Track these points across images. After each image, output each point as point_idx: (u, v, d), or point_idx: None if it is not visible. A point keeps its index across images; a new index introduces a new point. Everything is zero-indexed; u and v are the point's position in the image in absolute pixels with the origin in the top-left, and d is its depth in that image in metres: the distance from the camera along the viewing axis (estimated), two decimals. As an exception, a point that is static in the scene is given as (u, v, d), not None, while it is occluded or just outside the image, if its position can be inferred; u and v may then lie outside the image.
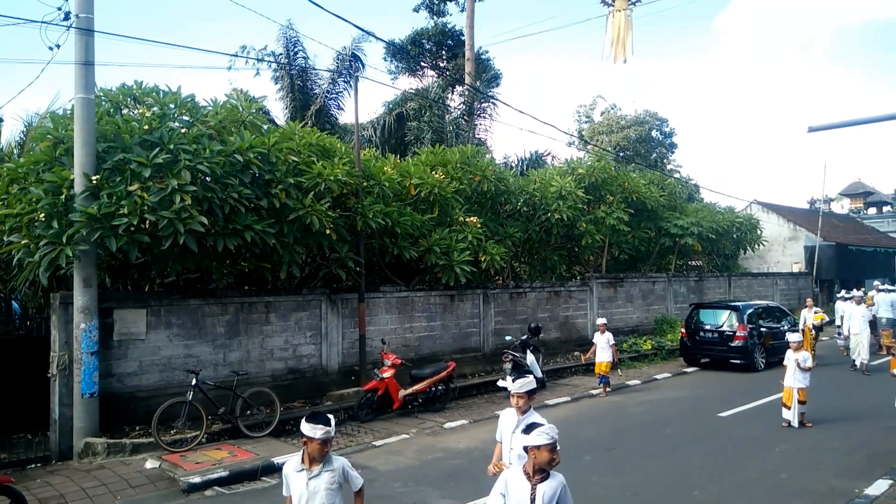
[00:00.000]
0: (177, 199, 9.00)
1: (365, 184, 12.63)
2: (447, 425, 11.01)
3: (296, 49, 22.01)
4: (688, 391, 14.15)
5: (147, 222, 9.01)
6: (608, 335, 13.49)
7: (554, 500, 3.87)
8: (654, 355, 18.26)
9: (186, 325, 10.76)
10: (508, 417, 5.21)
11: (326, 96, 22.18)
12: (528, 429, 3.94)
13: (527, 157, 25.68)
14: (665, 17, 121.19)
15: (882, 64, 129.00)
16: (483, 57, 28.79)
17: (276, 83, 22.73)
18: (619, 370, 13.78)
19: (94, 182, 9.01)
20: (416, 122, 22.73)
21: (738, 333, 16.22)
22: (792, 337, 10.76)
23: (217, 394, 10.01)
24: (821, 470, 8.29)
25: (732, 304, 17.70)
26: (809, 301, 18.38)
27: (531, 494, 3.87)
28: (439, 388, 12.12)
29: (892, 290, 18.56)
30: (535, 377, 14.38)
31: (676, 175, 35.91)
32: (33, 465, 9.00)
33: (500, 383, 4.78)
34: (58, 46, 9.20)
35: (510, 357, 13.35)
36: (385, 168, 13.67)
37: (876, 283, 22.74)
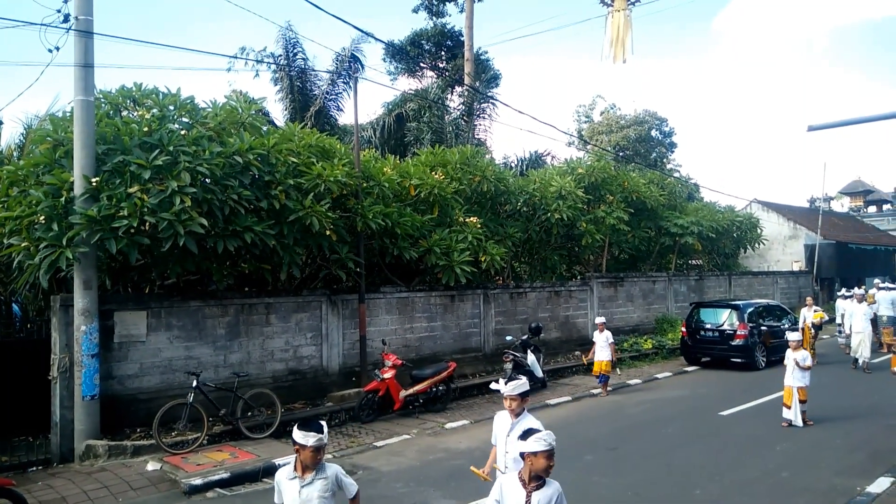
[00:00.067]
0: (177, 200, 9.00)
1: (365, 185, 12.63)
2: (448, 426, 11.01)
3: (295, 50, 22.02)
4: (688, 390, 14.15)
5: (147, 224, 9.00)
6: (607, 334, 13.48)
7: None
8: (654, 354, 18.26)
9: (187, 326, 10.76)
10: (502, 420, 5.12)
11: (326, 97, 22.20)
12: (525, 434, 3.86)
13: (526, 157, 25.70)
14: (664, 17, 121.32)
15: (881, 63, 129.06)
16: (482, 57, 28.81)
17: (276, 84, 22.76)
18: (618, 369, 13.77)
19: (94, 184, 9.01)
20: (416, 122, 22.73)
21: (738, 332, 16.21)
22: (791, 336, 10.76)
23: (218, 395, 10.01)
24: (822, 468, 8.29)
25: (733, 302, 17.70)
26: (809, 300, 18.38)
27: (526, 502, 3.82)
28: (440, 388, 12.12)
29: (893, 288, 18.57)
30: (535, 377, 14.41)
31: (676, 174, 35.93)
32: (34, 468, 9.00)
33: (493, 386, 4.72)
34: (57, 49, 9.21)
35: (511, 357, 13.35)
36: (385, 169, 13.68)
37: (876, 281, 22.75)
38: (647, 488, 7.68)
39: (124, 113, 10.87)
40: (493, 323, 15.84)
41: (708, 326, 16.89)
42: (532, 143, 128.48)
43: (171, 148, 9.36)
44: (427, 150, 16.52)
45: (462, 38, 27.84)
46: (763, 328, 16.71)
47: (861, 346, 15.57)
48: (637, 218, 21.10)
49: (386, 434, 10.51)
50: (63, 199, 9.03)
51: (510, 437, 4.88)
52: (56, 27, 9.12)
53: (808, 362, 10.46)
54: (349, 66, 21.44)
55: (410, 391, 11.71)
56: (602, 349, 13.32)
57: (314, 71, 22.48)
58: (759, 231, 26.82)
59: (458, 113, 24.57)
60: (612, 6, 12.97)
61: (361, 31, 17.73)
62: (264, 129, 11.83)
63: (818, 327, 17.39)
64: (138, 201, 8.86)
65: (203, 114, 10.84)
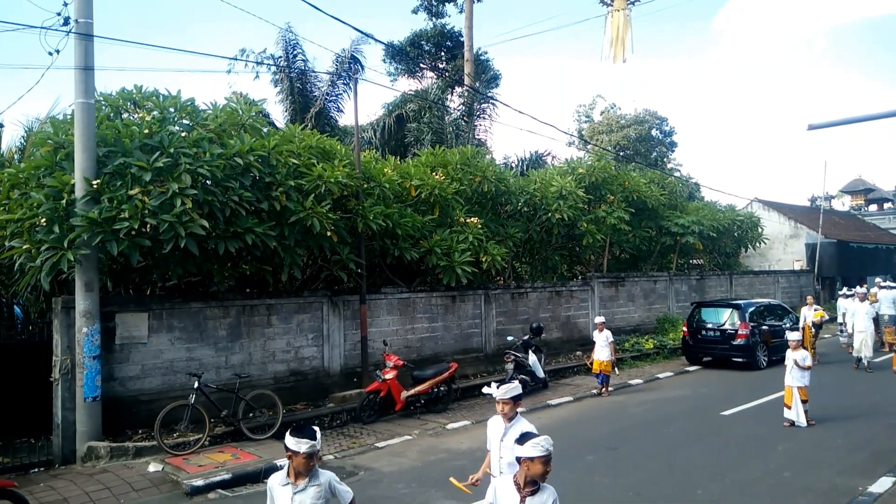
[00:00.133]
0: (177, 202, 9.01)
1: (365, 185, 12.64)
2: (449, 426, 11.01)
3: (295, 52, 22.04)
4: (690, 390, 14.14)
5: (148, 226, 9.01)
6: (606, 333, 13.44)
7: None
8: (656, 354, 18.26)
9: (188, 328, 10.77)
10: (495, 425, 5.02)
11: (326, 98, 22.21)
12: (522, 438, 3.80)
13: (527, 158, 25.70)
14: (664, 17, 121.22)
15: (881, 61, 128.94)
16: (482, 58, 28.80)
17: (276, 86, 22.77)
18: (615, 369, 13.73)
19: (95, 186, 9.02)
20: (416, 123, 22.74)
21: (739, 332, 16.19)
22: (791, 336, 10.75)
23: (219, 396, 10.02)
24: (824, 468, 8.29)
25: (734, 302, 17.69)
26: (810, 299, 18.36)
27: None
28: (441, 389, 12.12)
29: (894, 287, 18.54)
30: (537, 377, 14.39)
31: (677, 174, 35.91)
32: (36, 470, 9.01)
33: (486, 390, 4.68)
34: (58, 51, 9.24)
35: (512, 357, 13.35)
36: (385, 170, 13.68)
37: (878, 279, 22.73)
38: (648, 488, 7.68)
39: (125, 115, 10.88)
40: (495, 323, 15.85)
41: (709, 326, 16.88)
42: (532, 143, 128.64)
43: (171, 150, 9.37)
44: (427, 151, 16.53)
45: (462, 39, 27.85)
46: (764, 328, 16.69)
47: (863, 345, 15.55)
48: (638, 218, 21.10)
49: (387, 435, 10.52)
50: (64, 201, 9.04)
51: (504, 441, 4.82)
52: (56, 30, 9.16)
53: (808, 362, 10.45)
54: (349, 68, 21.47)
55: (412, 392, 11.71)
56: (602, 349, 13.30)
57: (314, 72, 22.51)
58: (760, 230, 26.80)
59: (459, 113, 24.58)
60: (612, 6, 12.98)
61: (361, 32, 17.78)
62: (265, 130, 11.84)
63: (818, 326, 17.38)
64: (139, 203, 8.87)
65: (203, 116, 10.85)
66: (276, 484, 4.06)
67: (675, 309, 21.86)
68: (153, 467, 8.65)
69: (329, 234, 11.18)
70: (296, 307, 12.16)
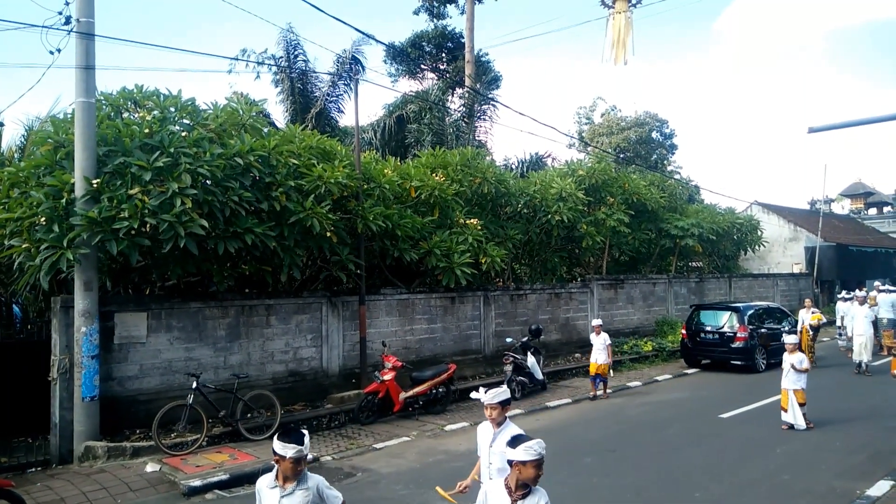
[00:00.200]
0: (177, 202, 9.01)
1: (365, 186, 12.64)
2: (448, 427, 11.00)
3: (296, 52, 22.04)
4: (689, 392, 14.14)
5: (148, 226, 9.01)
6: (604, 336, 13.40)
7: None
8: (654, 357, 18.25)
9: (187, 328, 10.76)
10: (485, 431, 4.94)
11: (327, 99, 22.21)
12: (514, 441, 3.74)
13: (527, 159, 25.70)
14: (664, 19, 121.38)
15: (882, 64, 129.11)
16: (483, 59, 28.83)
17: (277, 86, 22.78)
18: (610, 372, 13.69)
19: (95, 186, 9.02)
20: (417, 124, 22.74)
21: (738, 335, 16.20)
22: (788, 339, 10.74)
23: (217, 397, 10.01)
24: (822, 471, 8.29)
25: (733, 305, 17.69)
26: (808, 302, 18.36)
27: None
28: (440, 390, 12.11)
29: (893, 291, 18.54)
30: (535, 379, 14.36)
31: (677, 176, 35.91)
32: (34, 469, 9.01)
33: (474, 395, 4.64)
34: (59, 51, 9.23)
35: (511, 359, 13.34)
36: (385, 170, 13.69)
37: (876, 283, 22.72)
38: (647, 490, 7.68)
39: (125, 115, 10.88)
40: (494, 325, 15.84)
41: (708, 329, 16.88)
42: (533, 144, 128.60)
43: (171, 150, 9.37)
44: (428, 152, 16.53)
45: (462, 40, 27.86)
46: (763, 330, 16.69)
47: (863, 349, 15.54)
48: (637, 220, 21.11)
49: (386, 436, 10.51)
50: (64, 200, 9.04)
51: (493, 447, 4.75)
52: (57, 29, 9.15)
53: (805, 365, 10.46)
54: (350, 68, 21.47)
55: (410, 393, 11.70)
56: (599, 351, 13.27)
57: (315, 73, 22.51)
58: (759, 233, 26.81)
59: (459, 115, 24.57)
60: (613, 8, 12.98)
61: (362, 32, 17.72)
62: (265, 130, 11.84)
63: (816, 329, 17.38)
64: (139, 203, 8.87)
65: (204, 115, 10.85)
66: (264, 486, 4.04)
67: (674, 311, 21.87)
68: (151, 467, 8.64)
69: (329, 234, 11.18)
70: (295, 308, 12.15)
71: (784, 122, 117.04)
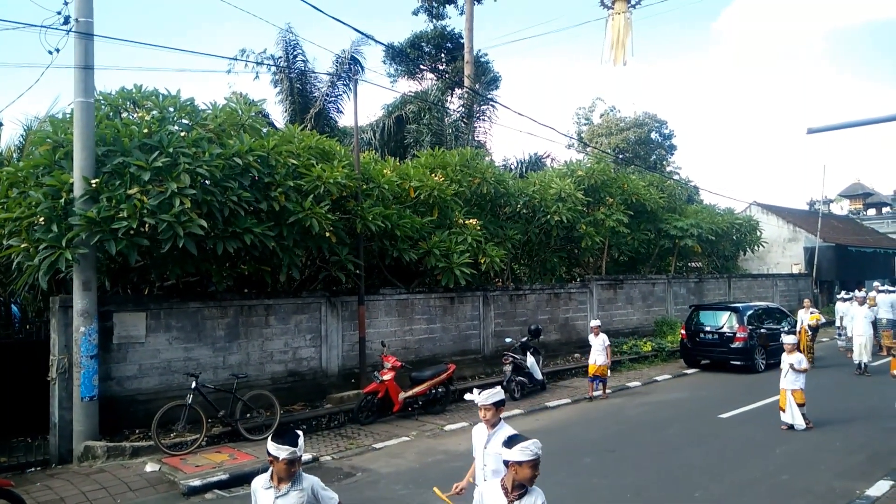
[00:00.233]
0: (176, 202, 9.00)
1: (364, 186, 12.64)
2: (447, 427, 11.00)
3: (295, 52, 22.04)
4: (688, 392, 14.14)
5: (146, 226, 9.01)
6: (602, 337, 13.34)
7: None
8: (654, 357, 18.25)
9: (186, 328, 10.75)
10: (479, 432, 4.90)
11: (326, 99, 22.21)
12: (510, 442, 3.71)
13: (526, 160, 25.70)
14: (664, 20, 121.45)
15: (882, 64, 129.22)
16: (482, 59, 28.84)
17: (276, 86, 22.78)
18: (608, 372, 13.65)
19: (94, 186, 9.01)
20: (416, 124, 22.75)
21: (738, 335, 16.20)
22: (786, 339, 10.74)
23: (217, 397, 10.00)
24: (822, 471, 8.29)
25: (732, 305, 17.69)
26: (807, 302, 18.37)
27: None
28: (439, 390, 12.11)
29: (892, 291, 18.56)
30: (535, 379, 14.34)
31: (676, 177, 35.92)
32: (33, 469, 8.99)
33: (468, 396, 4.63)
34: (57, 50, 9.22)
35: (510, 359, 13.34)
36: (384, 171, 13.68)
37: (876, 283, 22.74)
38: (647, 490, 7.67)
39: (124, 115, 10.88)
40: (493, 325, 15.84)
41: (707, 329, 16.88)
42: (532, 145, 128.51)
43: (170, 150, 9.37)
44: (427, 152, 16.53)
45: (462, 41, 27.88)
46: (762, 331, 16.69)
47: (863, 349, 15.55)
48: (637, 220, 21.11)
49: (385, 436, 10.50)
50: (63, 200, 9.04)
51: (487, 449, 4.71)
52: (56, 29, 9.15)
53: (804, 365, 10.46)
54: (349, 68, 21.47)
55: (410, 393, 11.70)
56: (598, 353, 13.20)
57: (314, 73, 22.51)
58: (758, 234, 26.83)
59: (458, 115, 24.58)
60: (613, 9, 12.99)
61: (361, 33, 17.77)
62: (264, 130, 11.84)
63: (815, 330, 17.39)
64: (138, 203, 8.86)
65: (203, 115, 10.85)
66: (260, 487, 4.03)
67: (674, 311, 21.87)
68: (150, 467, 8.63)
69: (328, 234, 11.17)
70: (294, 308, 12.14)
71: (783, 122, 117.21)
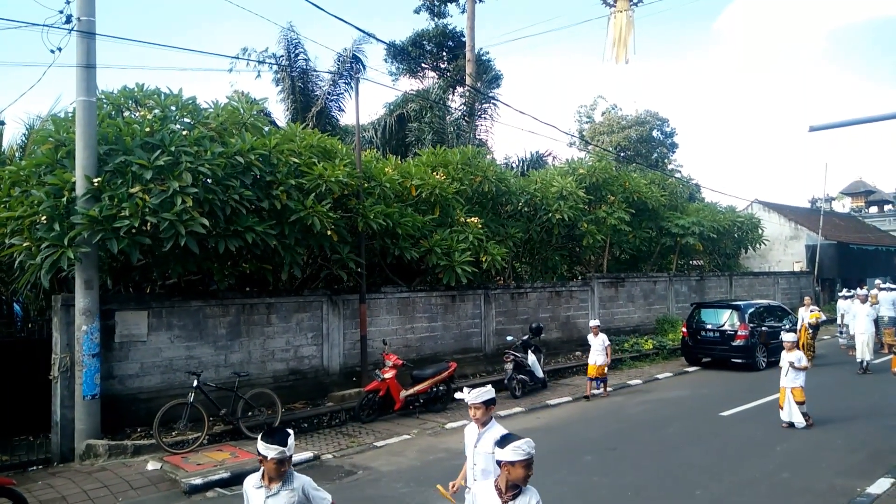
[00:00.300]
0: (178, 200, 9.02)
1: (366, 185, 12.64)
2: (449, 426, 11.01)
3: (297, 51, 22.04)
4: (689, 390, 14.14)
5: (148, 224, 9.02)
6: (602, 337, 13.30)
7: None
8: (655, 355, 18.25)
9: (188, 326, 10.77)
10: (470, 431, 4.85)
11: (327, 98, 22.21)
12: (503, 441, 3.65)
13: (528, 158, 25.71)
14: (665, 18, 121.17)
15: (883, 62, 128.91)
16: (484, 58, 28.80)
17: (277, 85, 22.78)
18: (606, 368, 13.62)
19: (96, 184, 9.02)
20: (417, 123, 22.75)
21: (739, 333, 16.20)
22: (786, 337, 10.73)
23: (218, 395, 10.02)
24: (822, 469, 8.29)
25: (734, 303, 17.69)
26: (807, 300, 18.37)
27: None
28: (441, 388, 12.12)
29: (894, 289, 18.53)
30: (536, 377, 14.34)
31: (677, 175, 35.90)
32: (35, 467, 9.01)
33: (458, 395, 4.61)
34: (59, 49, 9.23)
35: (512, 357, 13.35)
36: (386, 169, 13.69)
37: (877, 281, 22.72)
38: (647, 488, 7.68)
39: (126, 113, 10.89)
40: (494, 323, 15.85)
41: (709, 327, 16.89)
42: (533, 143, 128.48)
43: (172, 148, 9.38)
44: (428, 151, 16.53)
45: (463, 39, 27.84)
46: (764, 329, 16.70)
47: (865, 347, 15.53)
48: (638, 218, 21.11)
49: (386, 434, 10.52)
50: (65, 199, 9.05)
51: (477, 448, 4.69)
52: (58, 28, 9.15)
53: (805, 362, 10.46)
54: (350, 67, 21.47)
55: (411, 391, 11.72)
56: (598, 353, 13.15)
57: (316, 71, 22.51)
58: (760, 231, 26.80)
59: (460, 113, 24.57)
60: (615, 7, 13.00)
61: (363, 31, 17.76)
62: (266, 129, 11.84)
63: (816, 328, 17.39)
64: (140, 201, 8.88)
65: (205, 114, 10.86)
66: (251, 487, 4.02)
67: (675, 310, 21.87)
68: (152, 465, 8.65)
69: (329, 233, 11.19)
70: (295, 306, 12.16)
71: (785, 120, 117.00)
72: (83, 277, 9.20)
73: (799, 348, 11.33)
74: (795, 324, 17.27)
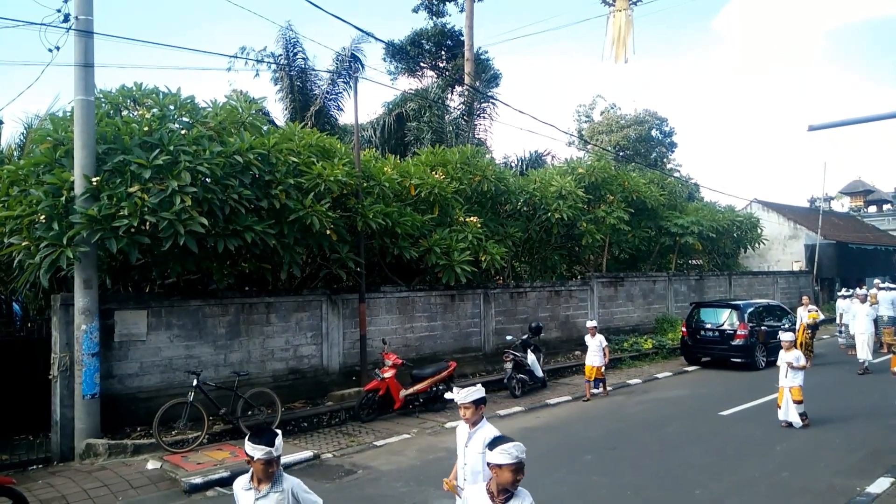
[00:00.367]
0: (177, 200, 9.01)
1: (365, 184, 12.64)
2: (448, 425, 11.00)
3: (295, 50, 22.02)
4: (688, 390, 14.15)
5: (147, 224, 9.01)
6: (599, 338, 13.23)
7: None
8: (654, 354, 18.26)
9: (187, 326, 10.76)
10: (462, 431, 4.84)
11: (326, 97, 22.19)
12: (493, 444, 3.59)
13: (527, 157, 25.71)
14: (664, 17, 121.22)
15: (883, 62, 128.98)
16: (482, 57, 28.80)
17: (276, 84, 22.75)
18: (603, 368, 13.57)
19: (95, 184, 9.02)
20: (416, 122, 22.74)
21: (738, 332, 16.21)
22: (784, 336, 10.73)
23: (218, 394, 10.01)
24: (822, 468, 8.30)
25: (733, 302, 17.70)
26: (805, 299, 18.37)
27: None
28: (440, 387, 12.10)
29: (893, 289, 18.54)
30: (535, 376, 14.33)
31: (676, 174, 35.93)
32: (35, 467, 9.01)
33: (448, 395, 4.59)
34: (57, 48, 9.22)
35: (511, 357, 13.35)
36: (385, 168, 13.68)
37: (876, 281, 22.74)
38: (647, 488, 7.68)
39: (125, 112, 10.87)
40: (494, 322, 15.85)
41: (708, 326, 16.89)
42: (532, 142, 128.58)
43: (171, 147, 9.37)
44: (427, 150, 16.53)
45: (462, 38, 27.83)
46: (763, 328, 16.70)
47: (865, 347, 15.53)
48: (637, 218, 21.12)
49: (386, 433, 10.52)
50: (63, 198, 9.04)
51: (467, 448, 4.66)
52: (56, 27, 9.14)
53: (802, 362, 10.46)
54: (349, 66, 21.45)
55: (411, 390, 11.72)
56: (594, 354, 13.06)
57: (314, 70, 22.49)
58: (759, 231, 26.82)
59: (459, 113, 24.57)
60: (614, 6, 12.98)
61: (361, 30, 17.74)
62: (264, 128, 11.83)
63: (814, 327, 17.40)
64: (139, 201, 8.87)
65: (203, 113, 10.85)
66: (240, 488, 4.00)
67: (674, 309, 21.88)
68: (151, 465, 8.65)
69: (328, 232, 11.18)
70: (295, 305, 12.16)
71: (784, 119, 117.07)
72: (82, 277, 9.20)
73: (798, 348, 11.33)
74: (795, 323, 17.28)
